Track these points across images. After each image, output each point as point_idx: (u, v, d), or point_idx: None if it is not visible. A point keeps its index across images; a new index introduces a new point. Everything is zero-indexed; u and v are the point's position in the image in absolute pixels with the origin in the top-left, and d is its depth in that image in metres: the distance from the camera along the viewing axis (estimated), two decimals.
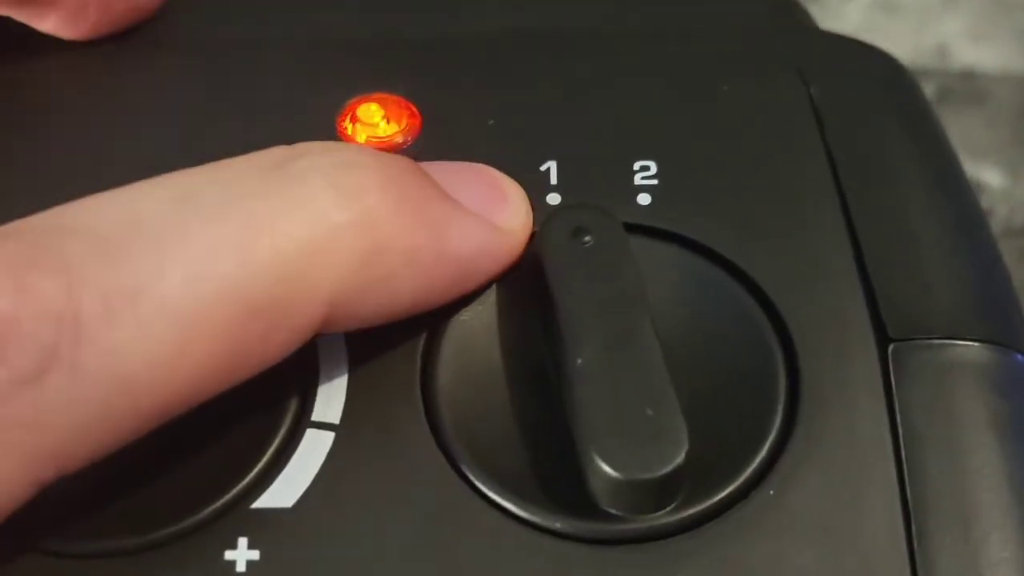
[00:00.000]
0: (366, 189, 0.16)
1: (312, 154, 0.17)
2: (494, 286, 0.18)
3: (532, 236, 0.19)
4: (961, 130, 0.72)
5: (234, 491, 0.17)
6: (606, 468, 0.16)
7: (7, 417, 0.14)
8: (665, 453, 0.16)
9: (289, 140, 0.18)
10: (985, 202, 0.65)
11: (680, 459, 0.16)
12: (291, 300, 0.16)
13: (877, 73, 0.22)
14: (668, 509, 0.17)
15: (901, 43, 0.62)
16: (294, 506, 0.17)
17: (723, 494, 0.17)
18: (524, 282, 0.18)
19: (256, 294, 0.15)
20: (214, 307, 0.15)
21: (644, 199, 0.19)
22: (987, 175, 0.66)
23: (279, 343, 0.16)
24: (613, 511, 0.17)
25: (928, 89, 0.71)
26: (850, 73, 0.21)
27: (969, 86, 0.72)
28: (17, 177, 0.20)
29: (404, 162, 0.17)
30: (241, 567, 0.16)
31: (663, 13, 0.22)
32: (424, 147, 0.20)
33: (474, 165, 0.19)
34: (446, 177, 0.18)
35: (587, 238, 0.18)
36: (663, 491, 0.16)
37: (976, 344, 0.18)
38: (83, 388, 0.14)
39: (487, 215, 0.18)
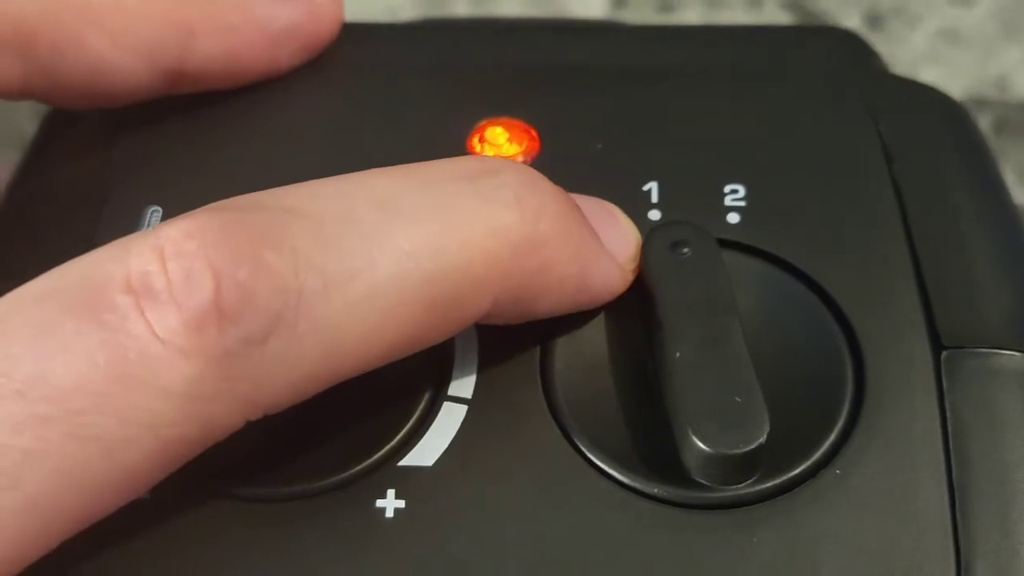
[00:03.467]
0: (543, 213, 0.19)
1: (502, 172, 0.19)
2: None
3: None
4: (1018, 159, 0.75)
5: (384, 450, 0.20)
6: (700, 444, 0.19)
7: (236, 370, 0.17)
8: (750, 433, 0.19)
9: (428, 152, 0.21)
10: None
11: (762, 439, 0.19)
12: (466, 297, 0.19)
13: (938, 112, 0.25)
14: (749, 482, 0.20)
15: (963, 72, 0.64)
16: (433, 465, 0.20)
17: (796, 471, 0.20)
18: (630, 286, 0.21)
19: (442, 289, 0.18)
20: (410, 296, 0.18)
21: (733, 218, 0.22)
22: None
23: (448, 329, 0.19)
24: (703, 481, 0.20)
25: (987, 119, 0.75)
26: (914, 112, 0.24)
27: None
28: (215, 172, 0.23)
29: (566, 195, 0.20)
30: (390, 513, 0.19)
31: (754, 55, 0.25)
32: (541, 167, 0.23)
33: (606, 203, 0.22)
34: (590, 213, 0.21)
35: (685, 250, 0.21)
36: (746, 466, 0.19)
37: (1019, 354, 0.21)
38: (298, 351, 0.17)
39: (615, 253, 0.21)
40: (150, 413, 0.17)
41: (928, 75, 0.63)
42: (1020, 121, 0.73)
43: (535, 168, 0.21)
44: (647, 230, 0.22)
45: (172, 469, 0.18)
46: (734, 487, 0.20)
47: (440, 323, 0.19)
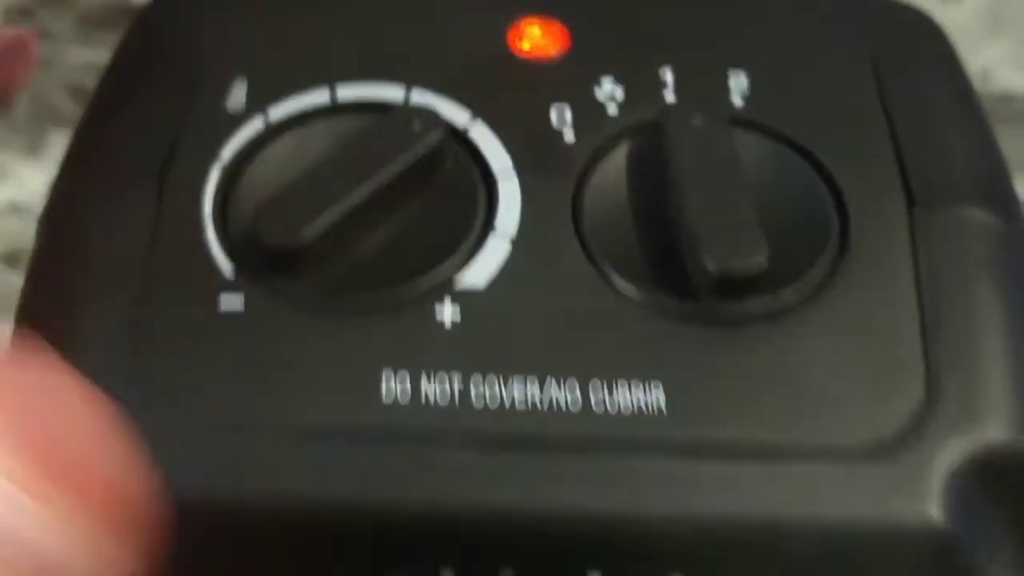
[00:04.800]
0: None
1: None
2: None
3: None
4: (1001, 147, 0.78)
5: (442, 270, 0.23)
6: (709, 265, 0.23)
7: None
8: (751, 258, 0.23)
9: (469, 44, 0.25)
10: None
11: (762, 261, 0.23)
12: None
13: (917, 21, 0.28)
14: (749, 301, 0.23)
15: None
16: (485, 288, 0.23)
17: (788, 299, 0.23)
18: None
19: None
20: None
21: (737, 100, 0.26)
22: (1021, 187, 0.73)
23: None
24: (711, 300, 0.23)
25: None
26: (897, 19, 0.28)
27: (1009, 108, 0.79)
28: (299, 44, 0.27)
29: None
30: (448, 325, 0.23)
31: None
32: (569, 61, 0.27)
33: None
34: None
35: (697, 122, 0.25)
36: (748, 285, 0.23)
37: (980, 209, 0.25)
38: None
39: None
40: None
41: None
42: (1002, 112, 0.77)
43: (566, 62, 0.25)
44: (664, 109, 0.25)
45: None
46: (735, 306, 0.23)
47: None
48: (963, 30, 0.88)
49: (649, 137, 0.25)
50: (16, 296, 0.23)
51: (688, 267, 0.23)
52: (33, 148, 0.76)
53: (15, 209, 0.73)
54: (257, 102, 0.26)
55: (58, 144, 0.75)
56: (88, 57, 0.80)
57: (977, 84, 0.83)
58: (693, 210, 0.23)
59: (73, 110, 0.77)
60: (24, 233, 0.83)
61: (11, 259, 0.71)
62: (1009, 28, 0.82)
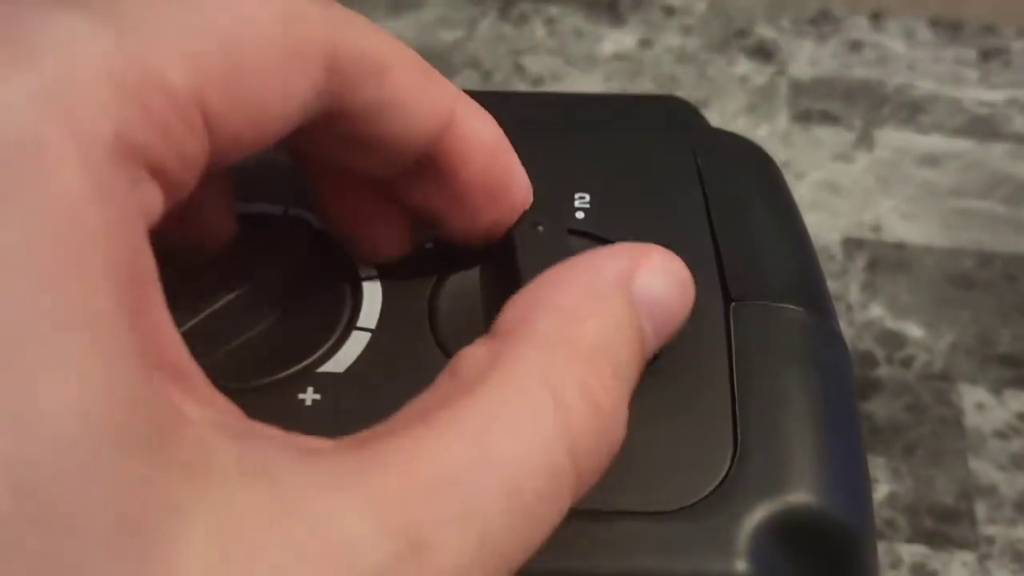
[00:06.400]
0: None
1: None
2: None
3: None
4: (890, 292, 0.84)
5: (306, 361, 0.26)
6: None
7: None
8: None
9: None
10: (908, 351, 0.77)
11: None
12: None
13: (742, 150, 0.32)
14: None
15: (843, 218, 0.73)
16: (344, 371, 0.26)
17: None
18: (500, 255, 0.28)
19: None
20: None
21: (580, 215, 0.30)
22: (910, 329, 0.78)
23: None
24: None
25: (864, 257, 0.84)
26: (724, 149, 0.32)
27: (898, 256, 0.84)
28: None
29: None
30: (308, 403, 0.26)
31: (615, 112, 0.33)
32: None
33: None
34: None
35: (540, 228, 0.28)
36: None
37: (791, 307, 0.28)
38: None
39: None
40: None
41: (811, 219, 0.71)
42: (893, 259, 0.82)
43: None
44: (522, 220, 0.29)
45: None
46: None
47: None
48: (855, 186, 0.92)
49: (500, 246, 0.28)
50: None
51: None
52: None
53: None
54: None
55: None
56: None
57: (871, 235, 0.87)
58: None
59: None
60: None
61: None
62: (895, 186, 0.88)
